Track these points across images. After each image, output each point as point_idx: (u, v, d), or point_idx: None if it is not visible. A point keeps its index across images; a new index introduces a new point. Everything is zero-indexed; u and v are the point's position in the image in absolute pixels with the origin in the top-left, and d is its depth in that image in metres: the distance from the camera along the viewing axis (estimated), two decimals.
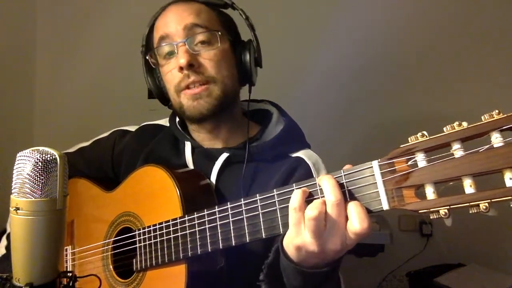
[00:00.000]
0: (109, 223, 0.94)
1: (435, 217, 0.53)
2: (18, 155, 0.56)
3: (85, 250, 0.98)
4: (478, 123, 0.50)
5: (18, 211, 0.55)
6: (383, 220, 1.95)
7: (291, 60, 2.05)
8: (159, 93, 0.95)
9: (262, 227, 0.67)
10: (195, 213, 0.76)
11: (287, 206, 0.61)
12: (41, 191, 0.55)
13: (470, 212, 0.50)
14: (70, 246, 1.02)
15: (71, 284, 0.61)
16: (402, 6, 2.04)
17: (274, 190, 0.66)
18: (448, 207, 0.51)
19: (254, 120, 1.00)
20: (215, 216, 0.73)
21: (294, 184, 0.64)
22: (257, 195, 0.68)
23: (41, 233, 0.56)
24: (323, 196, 0.59)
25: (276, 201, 0.65)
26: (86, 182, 1.03)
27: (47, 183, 0.55)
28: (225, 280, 0.81)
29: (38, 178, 0.54)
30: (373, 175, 0.57)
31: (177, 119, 1.01)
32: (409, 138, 0.55)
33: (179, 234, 0.78)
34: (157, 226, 0.82)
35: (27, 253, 0.56)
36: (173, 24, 0.87)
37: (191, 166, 0.93)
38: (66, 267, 1.01)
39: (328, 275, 0.64)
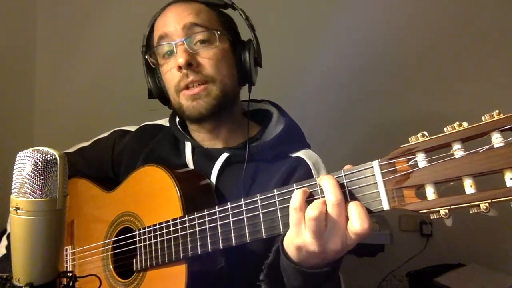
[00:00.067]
0: (109, 223, 0.94)
1: (435, 217, 0.53)
2: (18, 155, 0.56)
3: (85, 250, 0.98)
4: (479, 123, 0.50)
5: (18, 211, 0.55)
6: (383, 220, 1.95)
7: (291, 60, 2.05)
8: (159, 93, 0.95)
9: (263, 227, 0.67)
10: (195, 213, 0.76)
11: (288, 206, 0.61)
12: (41, 191, 0.55)
13: (471, 212, 0.50)
14: (70, 246, 1.02)
15: (71, 284, 0.61)
16: (402, 6, 2.04)
17: (275, 190, 0.66)
18: (448, 207, 0.51)
19: (254, 120, 1.00)
20: (215, 216, 0.73)
21: (294, 184, 0.64)
22: (258, 195, 0.68)
23: (41, 233, 0.56)
24: (324, 196, 0.59)
25: (277, 201, 0.65)
26: (86, 182, 1.03)
27: (47, 183, 0.55)
28: (225, 280, 0.81)
29: (38, 178, 0.54)
30: (374, 175, 0.57)
31: (177, 119, 1.01)
32: (409, 138, 0.55)
33: (179, 234, 0.78)
34: (157, 226, 0.82)
35: (27, 253, 0.56)
36: (173, 23, 0.87)
37: (191, 166, 0.93)
38: (66, 267, 1.01)
39: (329, 275, 0.64)
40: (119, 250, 0.90)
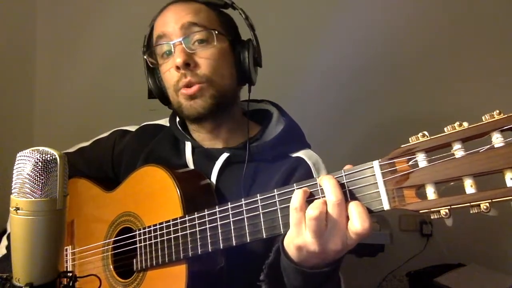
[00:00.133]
0: (109, 223, 0.94)
1: (436, 217, 0.53)
2: (18, 155, 0.56)
3: (85, 250, 0.98)
4: (479, 123, 0.50)
5: (18, 211, 0.55)
6: (384, 220, 1.95)
7: (291, 60, 2.05)
8: (159, 93, 0.95)
9: (263, 227, 0.67)
10: (196, 213, 0.76)
11: (288, 206, 0.61)
12: (41, 191, 0.55)
13: (471, 212, 0.50)
14: (70, 246, 1.02)
15: (71, 284, 0.61)
16: (402, 6, 2.04)
17: (275, 190, 0.66)
18: (449, 207, 0.51)
19: (254, 120, 1.00)
20: (215, 216, 0.73)
21: (295, 184, 0.64)
22: (258, 195, 0.68)
23: (41, 233, 0.56)
24: (324, 196, 0.59)
25: (277, 201, 0.65)
26: (86, 182, 1.03)
27: (47, 183, 0.55)
28: (225, 280, 0.81)
29: (38, 178, 0.54)
30: (374, 175, 0.57)
31: (177, 119, 1.01)
32: (409, 138, 0.55)
33: (180, 234, 0.78)
34: (158, 226, 0.82)
35: (27, 253, 0.56)
36: (171, 23, 0.87)
37: (191, 166, 0.93)
38: (66, 267, 1.01)
39: (329, 275, 0.64)
40: (119, 250, 0.90)
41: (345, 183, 0.59)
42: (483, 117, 0.50)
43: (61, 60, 2.21)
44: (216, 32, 0.87)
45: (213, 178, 0.90)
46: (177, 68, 0.84)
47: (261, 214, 0.67)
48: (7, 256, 0.96)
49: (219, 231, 0.72)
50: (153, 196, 0.87)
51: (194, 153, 0.95)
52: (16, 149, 0.58)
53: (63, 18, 2.21)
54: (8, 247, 0.99)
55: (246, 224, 0.69)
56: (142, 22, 1.00)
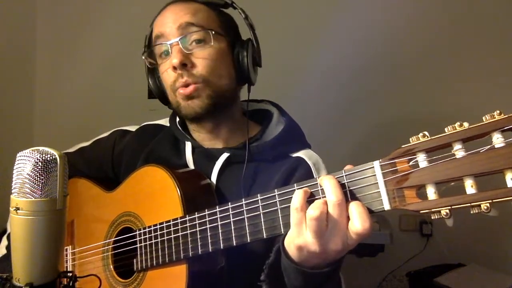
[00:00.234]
0: (109, 223, 0.94)
1: (436, 217, 0.53)
2: (18, 155, 0.56)
3: (85, 250, 0.98)
4: (480, 124, 0.50)
5: (18, 211, 0.55)
6: (384, 220, 1.95)
7: (291, 60, 2.05)
8: (159, 93, 0.95)
9: (263, 227, 0.67)
10: (196, 213, 0.76)
11: (288, 206, 0.61)
12: (41, 191, 0.55)
13: (472, 212, 0.50)
14: (70, 246, 1.02)
15: (71, 284, 0.61)
16: (402, 6, 2.04)
17: (275, 190, 0.66)
18: (449, 207, 0.51)
19: (255, 120, 1.00)
20: (216, 216, 0.73)
21: (295, 184, 0.64)
22: (258, 195, 0.68)
23: (41, 233, 0.55)
24: (325, 196, 0.59)
25: (277, 201, 0.65)
26: (86, 182, 1.03)
27: (47, 183, 0.55)
28: (226, 280, 0.81)
29: (38, 178, 0.54)
30: (375, 175, 0.57)
31: (177, 119, 1.01)
32: (410, 139, 0.55)
33: (180, 234, 0.78)
34: (158, 226, 0.82)
35: (27, 253, 0.56)
36: (169, 23, 0.87)
37: (191, 166, 0.93)
38: (66, 267, 1.01)
39: (329, 275, 0.63)
40: (119, 250, 0.90)
41: (346, 183, 0.59)
42: (483, 118, 0.50)
43: (61, 60, 2.21)
44: (213, 32, 0.87)
45: (213, 178, 0.90)
46: (174, 68, 0.84)
47: (261, 214, 0.67)
48: (7, 256, 0.95)
49: (220, 231, 0.72)
50: (153, 196, 0.87)
51: (194, 153, 0.95)
52: (16, 149, 0.58)
53: (63, 18, 2.21)
54: (8, 247, 0.99)
55: (246, 224, 0.69)
56: (142, 22, 1.00)
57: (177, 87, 0.87)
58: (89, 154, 1.08)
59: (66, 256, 1.02)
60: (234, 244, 0.70)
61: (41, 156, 0.55)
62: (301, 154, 0.92)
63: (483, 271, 1.86)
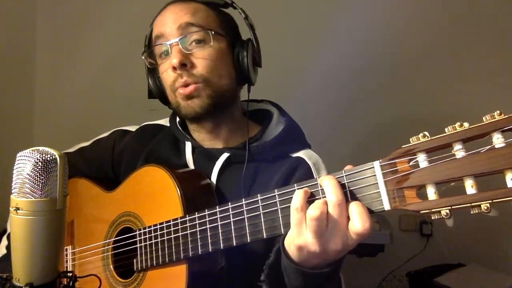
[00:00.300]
0: (109, 223, 0.94)
1: (436, 217, 0.53)
2: (18, 155, 0.56)
3: (85, 250, 0.98)
4: (480, 124, 0.50)
5: (18, 211, 0.55)
6: (384, 220, 1.95)
7: (291, 60, 2.05)
8: (159, 93, 0.95)
9: (263, 227, 0.67)
10: (196, 213, 0.76)
11: (288, 206, 0.61)
12: (41, 191, 0.55)
13: (472, 212, 0.50)
14: (70, 246, 1.02)
15: (71, 284, 0.61)
16: (402, 6, 2.04)
17: (275, 190, 0.66)
18: (449, 207, 0.51)
19: (255, 120, 1.00)
20: (216, 216, 0.73)
21: (295, 184, 0.64)
22: (258, 195, 0.68)
23: (41, 233, 0.55)
24: (325, 196, 0.59)
25: (277, 201, 0.65)
26: (86, 182, 1.03)
27: (47, 183, 0.55)
28: (226, 280, 0.81)
29: (38, 178, 0.54)
30: (375, 175, 0.57)
31: (178, 119, 1.01)
32: (410, 139, 0.55)
33: (180, 234, 0.78)
34: (158, 226, 0.82)
35: (27, 253, 0.56)
36: (169, 23, 0.87)
37: (191, 166, 0.93)
38: (66, 267, 1.01)
39: (329, 275, 0.63)
40: (119, 250, 0.90)
41: (346, 184, 0.59)
42: (483, 118, 0.50)
43: (61, 60, 2.21)
44: (213, 32, 0.87)
45: (213, 178, 0.90)
46: (174, 68, 0.84)
47: (261, 214, 0.67)
48: (7, 256, 0.96)
49: (220, 231, 0.72)
50: (153, 196, 0.87)
51: (194, 153, 0.95)
52: (16, 149, 0.58)
53: (63, 18, 2.21)
54: (8, 247, 0.99)
55: (246, 224, 0.69)
56: (142, 22, 0.99)
57: (176, 87, 0.87)
58: (89, 154, 1.08)
59: (66, 256, 1.02)
60: (234, 244, 0.70)
61: (41, 156, 0.55)
62: (301, 154, 0.92)
63: (483, 271, 1.86)
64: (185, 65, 0.84)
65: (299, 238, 0.60)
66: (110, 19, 2.13)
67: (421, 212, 0.54)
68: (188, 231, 0.76)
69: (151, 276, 0.84)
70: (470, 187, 0.50)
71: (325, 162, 0.94)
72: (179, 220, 0.78)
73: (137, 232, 0.86)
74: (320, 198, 0.60)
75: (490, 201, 0.48)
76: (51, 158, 0.55)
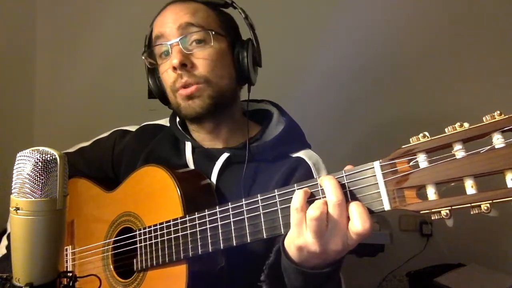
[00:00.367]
0: (109, 223, 0.94)
1: (436, 218, 0.53)
2: (18, 155, 0.56)
3: (85, 250, 0.98)
4: (480, 124, 0.50)
5: (18, 211, 0.55)
6: (384, 220, 1.95)
7: (291, 60, 2.05)
8: (159, 93, 0.95)
9: (263, 227, 0.67)
10: (196, 213, 0.76)
11: (289, 206, 0.61)
12: (41, 191, 0.55)
13: (472, 213, 0.50)
14: (70, 246, 1.02)
15: (71, 284, 0.61)
16: (402, 6, 2.04)
17: (275, 190, 0.66)
18: (449, 208, 0.51)
19: (255, 120, 1.00)
20: (216, 216, 0.73)
21: (295, 185, 0.64)
22: (258, 195, 0.68)
23: (41, 233, 0.55)
24: (325, 197, 0.59)
25: (277, 201, 0.65)
26: (86, 182, 1.03)
27: (47, 183, 0.55)
28: (226, 280, 0.81)
29: (38, 178, 0.54)
30: (375, 175, 0.57)
31: (178, 119, 1.01)
32: (410, 139, 0.55)
33: (180, 234, 0.78)
34: (158, 226, 0.82)
35: (27, 253, 0.56)
36: (169, 23, 0.87)
37: (191, 166, 0.93)
38: (66, 267, 1.01)
39: (329, 275, 0.63)
40: (119, 250, 0.90)
41: (346, 184, 0.59)
42: (484, 118, 0.50)
43: (61, 60, 2.21)
44: (213, 32, 0.87)
45: (213, 178, 0.90)
46: (174, 68, 0.84)
47: (261, 214, 0.67)
48: (7, 256, 0.95)
49: (220, 231, 0.72)
50: (153, 196, 0.87)
51: (194, 153, 0.95)
52: (16, 149, 0.58)
53: (63, 18, 2.21)
54: (8, 247, 0.99)
55: (246, 224, 0.69)
56: (142, 22, 0.99)
57: (177, 87, 0.87)
58: (89, 154, 1.08)
59: (66, 256, 1.02)
60: (234, 244, 0.70)
61: (41, 156, 0.55)
62: (301, 154, 0.92)
63: (483, 271, 1.86)
64: (185, 65, 0.84)
65: (299, 238, 0.60)
66: (110, 19, 2.13)
67: (421, 212, 0.54)
68: (188, 231, 0.76)
69: (151, 276, 0.84)
70: (470, 187, 0.50)
71: (325, 162, 0.94)
72: (179, 220, 0.78)
73: (137, 232, 0.86)
74: (320, 198, 0.60)
75: (490, 201, 0.48)
76: (51, 158, 0.55)
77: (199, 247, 0.75)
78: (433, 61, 2.08)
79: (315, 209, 0.57)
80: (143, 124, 1.07)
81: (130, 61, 1.30)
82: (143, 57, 0.94)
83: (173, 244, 0.79)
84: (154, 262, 0.82)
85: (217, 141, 0.95)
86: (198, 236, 0.75)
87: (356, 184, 0.59)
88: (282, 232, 0.65)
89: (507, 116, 0.48)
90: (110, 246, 0.92)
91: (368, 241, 1.83)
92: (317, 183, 0.61)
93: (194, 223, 0.76)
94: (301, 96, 1.82)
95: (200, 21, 0.87)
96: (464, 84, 2.03)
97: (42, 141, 1.13)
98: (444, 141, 0.52)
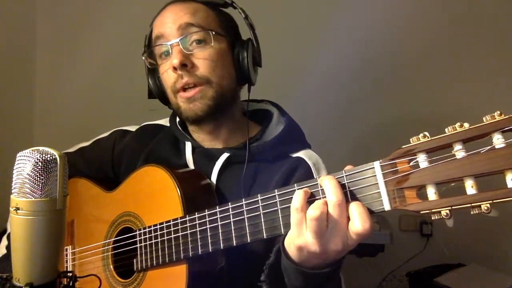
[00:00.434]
0: (109, 223, 0.94)
1: (436, 218, 0.53)
2: (18, 155, 0.56)
3: (85, 250, 0.98)
4: (480, 124, 0.50)
5: (18, 211, 0.55)
6: (384, 220, 1.96)
7: (291, 60, 2.05)
8: (159, 93, 0.95)
9: (263, 227, 0.67)
10: (196, 213, 0.76)
11: (289, 207, 0.61)
12: (41, 191, 0.55)
13: (472, 213, 0.50)
14: (70, 246, 1.02)
15: (71, 284, 0.61)
16: (402, 6, 2.04)
17: (276, 190, 0.66)
18: (449, 208, 0.51)
19: (255, 120, 1.00)
20: (216, 216, 0.73)
21: (295, 185, 0.64)
22: (259, 195, 0.68)
23: (41, 233, 0.55)
24: (325, 197, 0.59)
25: (278, 201, 0.65)
26: (86, 182, 1.03)
27: (47, 183, 0.55)
28: (226, 280, 0.81)
29: (38, 178, 0.54)
30: (375, 175, 0.57)
31: (178, 119, 1.01)
32: (410, 139, 0.55)
33: (180, 234, 0.78)
34: (158, 226, 0.82)
35: (27, 253, 0.56)
36: (169, 23, 0.87)
37: (191, 166, 0.93)
38: (66, 267, 1.01)
39: (330, 275, 0.63)
40: (119, 250, 0.90)
41: (346, 184, 0.59)
42: (484, 118, 0.50)
43: (61, 60, 2.21)
44: (214, 32, 0.86)
45: (213, 178, 0.90)
46: (174, 69, 0.84)
47: (261, 214, 0.67)
48: (7, 256, 0.95)
49: (220, 231, 0.72)
50: (154, 196, 0.87)
51: (194, 153, 0.95)
52: (16, 149, 0.58)
53: (63, 18, 2.21)
54: (8, 247, 0.99)
55: (246, 224, 0.69)
56: (142, 22, 0.99)
57: (177, 88, 0.87)
58: (89, 154, 1.08)
59: (66, 256, 1.02)
60: (234, 244, 0.70)
61: (41, 156, 0.55)
62: (301, 154, 0.92)
63: (483, 271, 1.86)
64: (185, 65, 0.84)
65: (299, 238, 0.60)
66: (110, 19, 2.13)
67: (421, 212, 0.54)
68: (188, 231, 0.76)
69: (151, 276, 0.84)
70: (470, 187, 0.50)
71: (325, 162, 0.94)
72: (179, 220, 0.78)
73: (137, 232, 0.86)
74: (320, 198, 0.60)
75: (491, 202, 0.48)
76: (51, 158, 0.55)
77: (199, 247, 0.75)
78: (433, 61, 2.08)
79: (315, 209, 0.57)
80: (143, 124, 1.07)
81: (130, 61, 1.30)
82: (143, 57, 0.94)
83: (173, 244, 0.79)
84: (154, 262, 0.82)
85: (217, 141, 0.95)
86: (198, 236, 0.75)
87: (356, 184, 0.59)
88: (282, 232, 0.65)
89: (507, 116, 0.48)
90: (110, 246, 0.92)
91: (368, 241, 1.83)
92: (317, 183, 0.61)
93: (194, 223, 0.76)
94: (301, 96, 1.82)
95: (200, 21, 0.87)
96: (464, 84, 2.03)
97: (42, 141, 1.13)
98: (444, 141, 0.52)
